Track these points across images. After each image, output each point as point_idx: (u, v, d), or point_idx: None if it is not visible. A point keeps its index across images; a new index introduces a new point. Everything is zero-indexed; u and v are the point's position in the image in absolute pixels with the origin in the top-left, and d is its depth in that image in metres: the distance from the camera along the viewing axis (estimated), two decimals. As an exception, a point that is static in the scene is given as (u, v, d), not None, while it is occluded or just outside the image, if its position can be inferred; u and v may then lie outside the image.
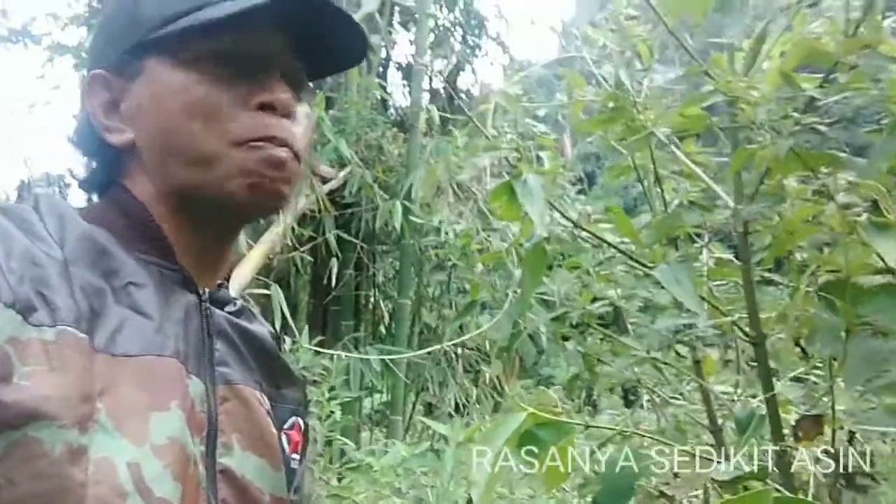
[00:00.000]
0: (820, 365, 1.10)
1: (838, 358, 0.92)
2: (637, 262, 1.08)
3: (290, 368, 0.79)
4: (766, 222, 1.05)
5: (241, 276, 3.44)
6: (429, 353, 3.95)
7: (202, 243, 0.69)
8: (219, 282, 0.73)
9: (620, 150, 1.56)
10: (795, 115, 0.88)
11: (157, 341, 0.60)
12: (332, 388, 3.11)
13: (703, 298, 1.06)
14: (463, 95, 6.60)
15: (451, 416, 5.80)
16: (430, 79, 6.21)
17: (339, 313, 5.38)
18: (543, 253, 1.06)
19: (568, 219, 1.13)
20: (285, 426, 0.75)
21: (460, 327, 3.74)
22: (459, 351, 6.07)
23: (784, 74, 0.91)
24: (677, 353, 1.75)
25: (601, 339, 1.44)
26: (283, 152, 0.67)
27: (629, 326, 1.44)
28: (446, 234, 4.54)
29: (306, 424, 0.80)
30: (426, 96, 5.81)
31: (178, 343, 0.62)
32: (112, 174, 0.69)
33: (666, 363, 1.29)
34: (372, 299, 5.88)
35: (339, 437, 3.26)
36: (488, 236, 2.04)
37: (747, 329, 1.10)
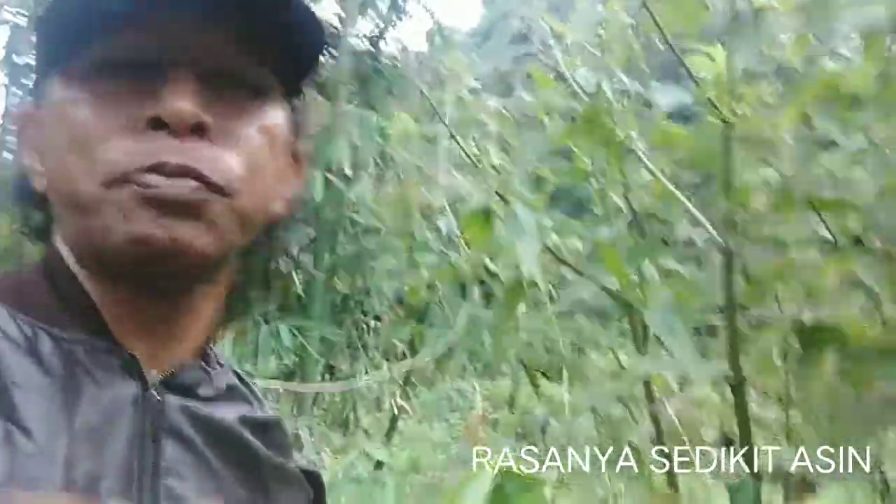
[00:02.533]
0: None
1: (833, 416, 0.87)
2: (627, 303, 0.99)
3: (285, 466, 0.60)
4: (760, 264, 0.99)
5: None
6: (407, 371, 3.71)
7: (139, 309, 0.52)
8: (185, 360, 0.54)
9: (582, 158, 1.48)
10: (825, 164, 0.81)
11: (33, 469, 0.43)
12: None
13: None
14: (387, 60, 6.39)
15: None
16: (359, 41, 5.97)
17: (248, 283, 5.14)
18: (522, 290, 0.96)
19: (558, 258, 1.03)
20: None
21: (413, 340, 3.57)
22: (372, 323, 5.97)
23: (803, 115, 0.84)
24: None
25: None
26: (179, 186, 0.47)
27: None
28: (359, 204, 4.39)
29: None
30: (349, 60, 5.57)
31: (75, 466, 0.45)
32: (49, 225, 0.54)
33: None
34: (284, 269, 5.66)
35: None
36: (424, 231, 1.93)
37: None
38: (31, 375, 0.46)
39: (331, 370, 5.92)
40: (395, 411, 5.18)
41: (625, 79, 1.16)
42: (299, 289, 5.55)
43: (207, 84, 0.49)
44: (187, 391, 0.53)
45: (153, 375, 0.51)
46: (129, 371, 0.50)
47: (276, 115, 0.54)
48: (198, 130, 0.48)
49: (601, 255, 1.06)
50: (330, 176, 4.24)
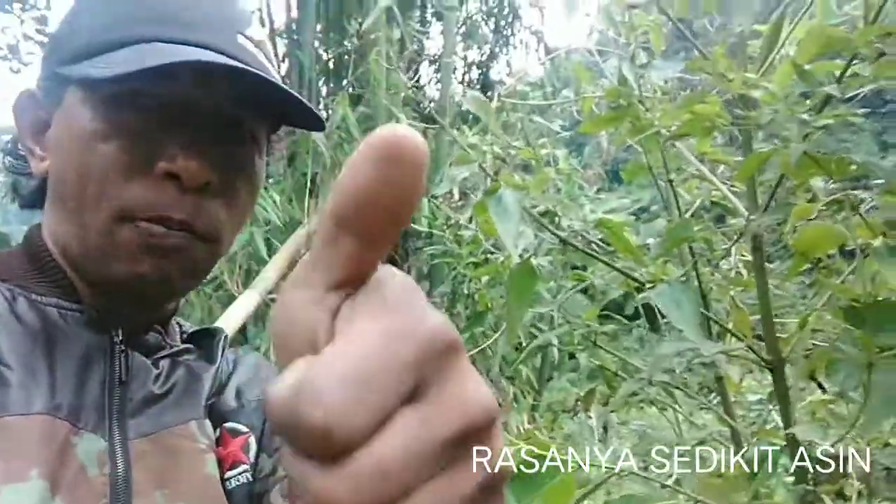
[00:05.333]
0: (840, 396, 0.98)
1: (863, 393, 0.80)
2: (635, 280, 0.97)
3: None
4: (784, 232, 0.93)
5: (266, 280, 3.41)
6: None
7: (111, 301, 0.61)
8: (147, 324, 0.64)
9: (636, 147, 1.45)
10: (807, 116, 0.76)
11: (20, 397, 0.52)
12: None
13: (713, 320, 0.95)
14: (497, 86, 6.46)
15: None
16: (467, 69, 6.08)
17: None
18: (530, 273, 0.96)
19: (557, 236, 1.02)
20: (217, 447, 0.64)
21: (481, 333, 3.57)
22: (496, 349, 5.95)
23: (797, 68, 0.79)
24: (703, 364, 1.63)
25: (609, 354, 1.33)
26: (176, 238, 0.56)
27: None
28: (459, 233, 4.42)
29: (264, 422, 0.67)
30: (459, 88, 5.69)
31: (58, 396, 0.54)
32: (40, 201, 0.63)
33: (677, 387, 1.17)
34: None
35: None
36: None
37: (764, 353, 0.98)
38: (12, 328, 0.56)
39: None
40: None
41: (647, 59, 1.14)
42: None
43: (216, 135, 0.57)
44: (149, 350, 0.62)
45: (119, 333, 0.60)
46: (95, 328, 0.59)
47: (261, 162, 0.63)
48: (203, 188, 0.56)
49: (612, 235, 1.03)
50: (435, 203, 4.32)
